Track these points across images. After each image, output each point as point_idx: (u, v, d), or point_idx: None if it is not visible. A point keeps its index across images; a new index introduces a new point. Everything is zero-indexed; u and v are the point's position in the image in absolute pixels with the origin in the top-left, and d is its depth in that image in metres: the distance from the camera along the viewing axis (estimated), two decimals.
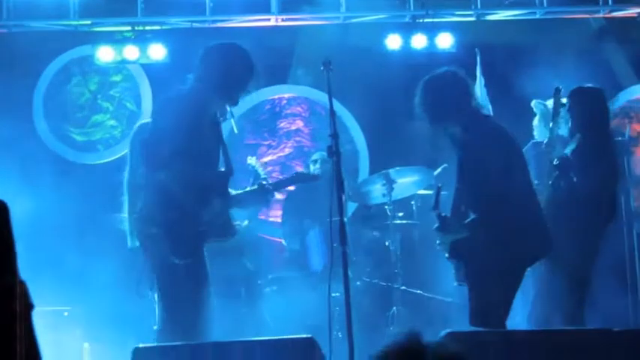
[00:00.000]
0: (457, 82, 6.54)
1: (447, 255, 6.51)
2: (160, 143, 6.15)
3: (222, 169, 6.52)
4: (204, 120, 6.36)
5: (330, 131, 6.15)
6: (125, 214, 6.78)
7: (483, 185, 6.25)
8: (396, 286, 9.18)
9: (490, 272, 6.28)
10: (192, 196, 6.22)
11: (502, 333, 5.98)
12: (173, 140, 6.11)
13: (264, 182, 6.95)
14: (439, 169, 8.96)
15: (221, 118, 6.58)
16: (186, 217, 6.19)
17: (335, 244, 6.25)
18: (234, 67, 6.43)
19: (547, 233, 6.47)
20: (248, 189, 6.97)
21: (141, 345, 5.60)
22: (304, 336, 5.72)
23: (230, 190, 6.59)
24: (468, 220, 6.32)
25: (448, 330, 5.45)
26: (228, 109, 6.64)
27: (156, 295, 7.83)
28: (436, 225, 6.44)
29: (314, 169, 9.61)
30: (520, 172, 6.44)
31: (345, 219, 6.25)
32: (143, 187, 6.37)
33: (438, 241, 6.53)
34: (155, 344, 6.23)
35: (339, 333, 8.17)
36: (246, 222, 9.20)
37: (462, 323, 6.58)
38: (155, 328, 8.21)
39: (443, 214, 6.43)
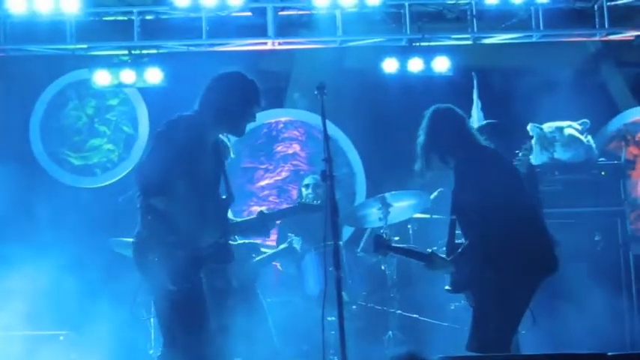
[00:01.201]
0: (447, 117, 6.61)
1: (447, 287, 6.52)
2: (154, 168, 6.11)
3: (224, 197, 6.49)
4: (204, 146, 6.31)
5: (324, 155, 6.15)
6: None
7: (480, 214, 6.26)
8: (392, 310, 9.14)
9: (493, 298, 6.26)
10: (189, 222, 6.16)
11: (495, 358, 5.95)
12: (168, 165, 6.06)
13: (264, 211, 6.90)
14: (435, 193, 8.96)
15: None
16: (183, 243, 6.13)
17: (330, 269, 6.24)
18: (235, 95, 6.37)
19: (551, 253, 6.44)
20: (248, 217, 6.95)
21: None
22: None
23: (231, 217, 6.58)
24: (455, 254, 6.34)
25: (442, 355, 5.44)
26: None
27: (152, 320, 7.80)
28: (423, 263, 6.48)
29: (306, 193, 9.57)
30: (519, 198, 6.44)
31: (341, 243, 6.23)
32: (140, 211, 6.34)
33: (446, 287, 6.57)
34: None
35: (335, 357, 8.14)
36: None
37: (458, 348, 6.56)
38: (151, 352, 8.20)
39: (429, 251, 6.48)
